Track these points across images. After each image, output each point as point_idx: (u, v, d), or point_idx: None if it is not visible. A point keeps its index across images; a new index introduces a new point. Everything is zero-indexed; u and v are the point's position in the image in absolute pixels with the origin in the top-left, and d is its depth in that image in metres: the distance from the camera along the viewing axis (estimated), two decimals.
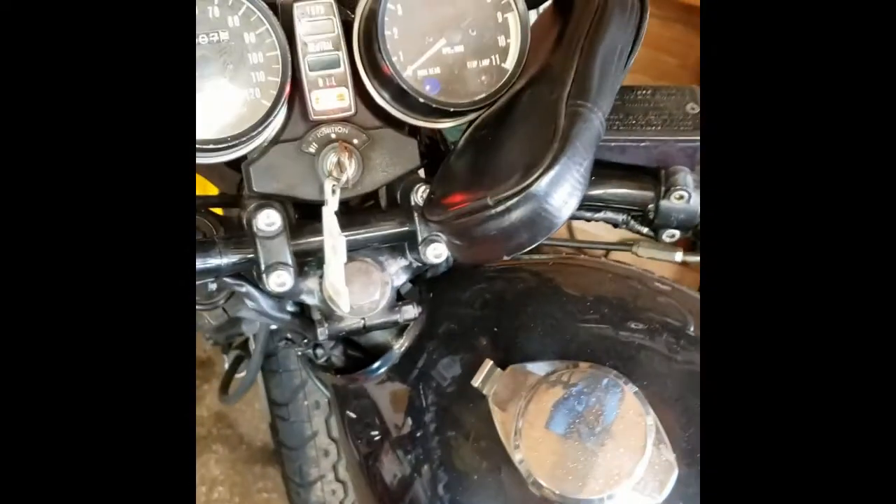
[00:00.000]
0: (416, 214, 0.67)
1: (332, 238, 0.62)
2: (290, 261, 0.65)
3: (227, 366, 1.25)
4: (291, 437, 1.31)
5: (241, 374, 1.26)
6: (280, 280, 0.64)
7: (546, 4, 0.73)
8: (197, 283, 0.76)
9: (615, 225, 0.71)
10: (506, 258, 0.62)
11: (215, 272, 0.65)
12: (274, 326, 1.06)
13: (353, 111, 0.67)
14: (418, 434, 0.72)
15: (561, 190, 0.55)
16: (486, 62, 0.66)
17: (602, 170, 0.67)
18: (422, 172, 0.72)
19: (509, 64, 0.67)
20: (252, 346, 1.17)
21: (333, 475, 1.35)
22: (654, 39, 0.66)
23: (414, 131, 0.71)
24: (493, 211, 0.55)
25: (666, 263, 0.79)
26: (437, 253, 0.66)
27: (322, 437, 1.32)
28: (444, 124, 0.69)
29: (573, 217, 0.62)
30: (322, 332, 0.70)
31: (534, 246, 0.59)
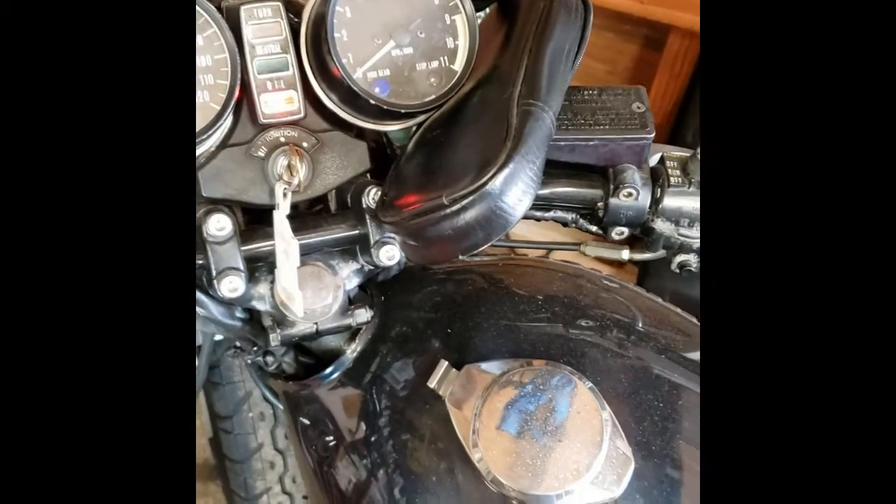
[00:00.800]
0: (367, 217, 0.66)
1: (285, 242, 0.62)
2: (241, 266, 0.64)
3: None
4: (236, 450, 1.29)
5: None
6: (232, 286, 0.63)
7: (492, 6, 0.74)
8: None
9: (564, 224, 0.72)
10: (460, 258, 0.62)
11: None
12: (219, 337, 1.04)
13: (302, 114, 0.66)
14: (373, 438, 0.71)
15: (515, 188, 0.55)
16: (434, 64, 0.67)
17: (551, 169, 0.68)
18: (370, 177, 0.72)
19: (458, 65, 0.67)
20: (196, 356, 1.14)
21: (280, 487, 1.33)
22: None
23: (361, 135, 0.71)
24: (448, 210, 0.56)
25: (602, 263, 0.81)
26: (390, 255, 0.66)
27: (268, 448, 1.29)
28: (394, 126, 0.69)
29: (524, 216, 0.63)
30: (274, 338, 0.69)
31: (487, 245, 0.60)
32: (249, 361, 0.79)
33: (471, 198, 0.55)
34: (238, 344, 0.79)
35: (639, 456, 0.64)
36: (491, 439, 0.63)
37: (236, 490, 1.33)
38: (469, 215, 0.56)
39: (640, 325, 0.75)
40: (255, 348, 0.75)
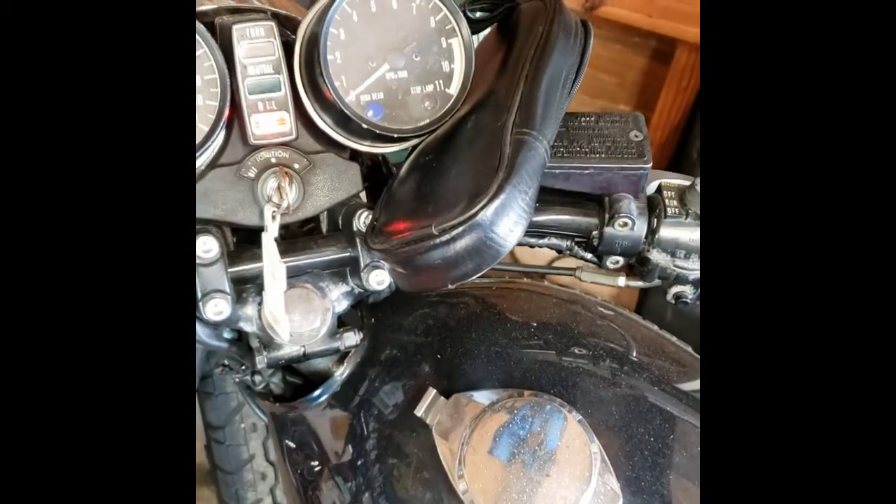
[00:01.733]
0: (358, 240, 0.65)
1: (272, 265, 0.61)
2: (227, 288, 0.63)
3: None
4: (227, 460, 1.27)
5: None
6: (217, 308, 0.62)
7: (489, 30, 0.73)
8: None
9: (559, 251, 0.70)
10: (450, 287, 0.61)
11: None
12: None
13: (293, 135, 0.65)
14: (359, 462, 0.70)
15: (507, 219, 0.54)
16: (430, 87, 0.66)
17: (546, 196, 0.67)
18: (364, 197, 0.71)
19: (453, 89, 0.66)
20: None
21: (271, 499, 1.31)
22: (593, 59, 0.65)
23: (356, 155, 0.70)
24: (437, 240, 0.54)
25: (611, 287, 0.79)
26: (380, 280, 0.65)
27: (259, 460, 1.28)
28: (387, 149, 0.68)
29: (518, 244, 0.62)
30: (261, 361, 0.68)
31: (479, 275, 0.59)
32: (237, 380, 0.78)
33: (461, 228, 0.53)
34: (226, 362, 0.78)
35: (628, 492, 0.63)
36: (477, 472, 0.62)
37: (228, 501, 1.32)
38: (459, 245, 0.55)
39: (635, 354, 0.74)
40: (243, 367, 0.74)
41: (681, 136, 2.04)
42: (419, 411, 0.65)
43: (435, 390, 0.65)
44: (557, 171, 0.66)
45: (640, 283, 0.73)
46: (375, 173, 0.79)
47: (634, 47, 2.10)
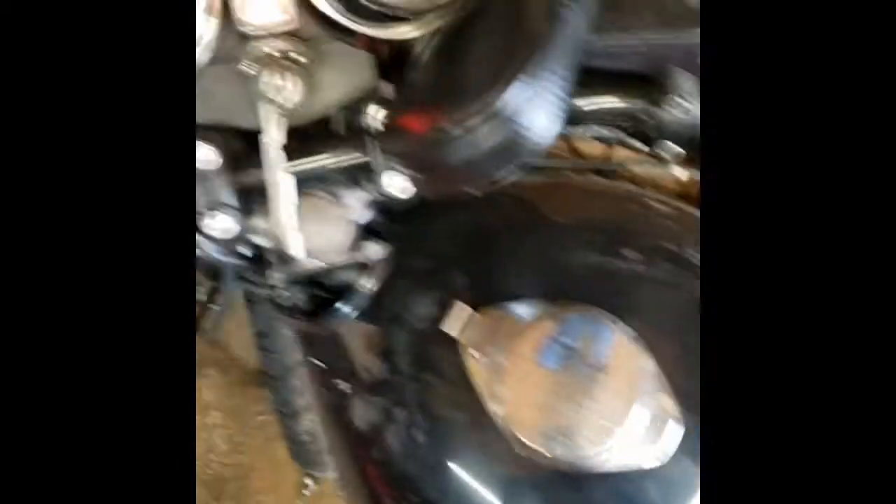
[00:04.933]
0: (367, 140, 0.57)
1: (275, 173, 0.54)
2: (231, 201, 0.56)
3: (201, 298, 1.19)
4: (274, 367, 1.26)
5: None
6: (222, 224, 0.56)
7: None
8: None
9: (605, 141, 0.62)
10: (480, 187, 0.53)
11: None
12: None
13: (295, 23, 0.57)
14: (392, 378, 0.66)
15: (534, 106, 0.46)
16: None
17: (586, 77, 0.57)
18: (388, 91, 0.63)
19: None
20: None
21: None
22: None
23: (373, 45, 0.61)
24: (454, 137, 0.47)
25: (670, 181, 0.71)
26: (398, 185, 0.58)
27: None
28: (402, 33, 0.59)
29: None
30: (277, 277, 0.63)
31: (513, 174, 0.51)
32: (264, 295, 0.73)
33: (478, 119, 0.45)
34: (246, 277, 0.72)
35: (689, 414, 0.56)
36: (515, 395, 0.56)
37: (279, 407, 1.32)
38: (480, 141, 0.47)
39: (695, 254, 0.66)
40: (264, 283, 0.69)
41: None
42: (449, 327, 0.59)
43: (463, 304, 0.59)
44: (602, 48, 0.56)
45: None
46: (398, 66, 0.71)
47: None
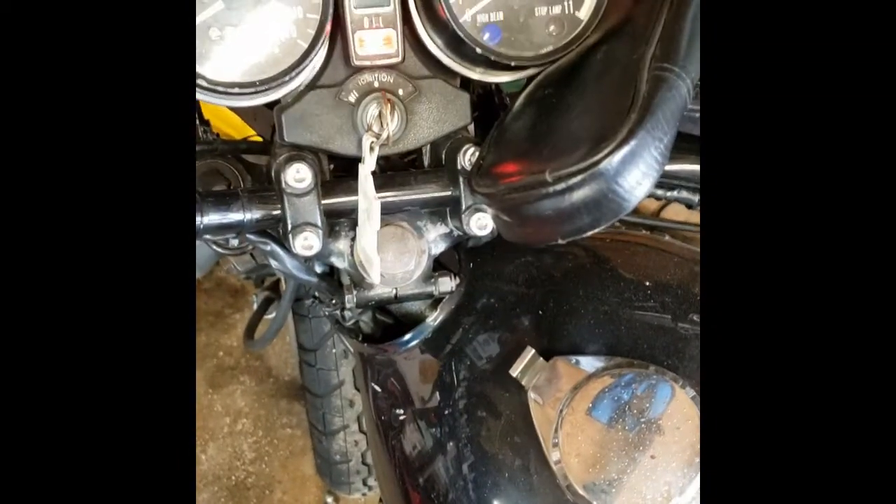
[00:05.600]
0: (461, 179, 0.59)
1: (367, 201, 0.55)
2: (319, 221, 0.58)
3: (255, 307, 1.20)
4: (317, 384, 1.27)
5: (270, 316, 1.21)
6: (307, 243, 0.58)
7: None
8: (217, 237, 0.70)
9: (689, 206, 0.62)
10: (560, 241, 0.54)
11: (237, 227, 0.58)
12: None
13: (400, 57, 0.59)
14: (446, 412, 0.66)
15: (635, 169, 0.46)
16: (556, 9, 0.58)
17: (681, 143, 0.58)
18: (472, 131, 0.64)
19: (584, 13, 0.58)
20: (283, 286, 1.11)
21: (357, 426, 1.31)
22: None
23: (466, 83, 0.63)
24: (551, 189, 0.47)
25: None
26: (482, 224, 0.59)
27: (348, 386, 1.27)
28: (502, 78, 0.61)
29: None
30: (350, 300, 0.64)
31: (595, 231, 0.52)
32: (327, 313, 0.74)
33: (580, 177, 0.46)
34: (317, 294, 0.74)
35: None
36: (573, 442, 0.56)
37: (315, 423, 1.33)
38: (576, 197, 0.47)
39: None
40: (333, 302, 0.70)
41: None
42: (515, 371, 0.59)
43: (534, 350, 0.59)
44: (697, 115, 0.57)
45: None
46: (487, 105, 0.72)
47: None
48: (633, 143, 0.45)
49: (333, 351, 1.23)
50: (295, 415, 1.85)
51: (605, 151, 0.44)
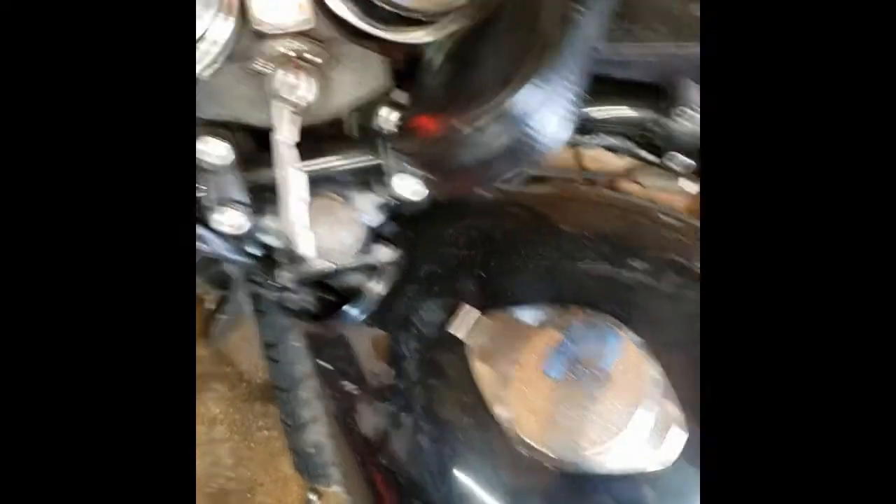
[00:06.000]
0: (379, 142, 0.58)
1: (284, 171, 0.54)
2: (242, 198, 0.57)
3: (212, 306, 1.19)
4: (282, 378, 1.25)
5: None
6: (232, 220, 0.57)
7: None
8: None
9: (613, 150, 0.62)
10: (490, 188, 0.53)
11: None
12: None
13: (310, 24, 0.58)
14: (399, 384, 0.65)
15: (543, 108, 0.46)
16: None
17: (598, 86, 0.58)
18: (400, 96, 0.63)
19: None
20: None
21: (326, 417, 1.30)
22: None
23: (388, 49, 0.62)
24: (464, 135, 0.47)
25: (678, 192, 0.71)
26: (408, 187, 0.58)
27: (314, 379, 1.26)
28: (418, 37, 0.60)
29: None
30: (285, 277, 0.63)
31: (519, 174, 0.51)
32: (272, 298, 0.73)
33: (487, 118, 0.46)
34: (255, 278, 0.73)
35: (694, 422, 0.56)
36: (520, 398, 0.56)
37: (285, 419, 1.31)
38: (488, 140, 0.47)
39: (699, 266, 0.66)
40: (270, 282, 0.69)
41: None
42: (454, 328, 0.59)
43: (470, 307, 0.59)
44: (613, 56, 0.57)
45: None
46: (413, 69, 0.71)
47: None
48: (536, 80, 0.44)
49: (295, 344, 1.22)
50: (270, 416, 1.84)
51: (508, 91, 0.44)
